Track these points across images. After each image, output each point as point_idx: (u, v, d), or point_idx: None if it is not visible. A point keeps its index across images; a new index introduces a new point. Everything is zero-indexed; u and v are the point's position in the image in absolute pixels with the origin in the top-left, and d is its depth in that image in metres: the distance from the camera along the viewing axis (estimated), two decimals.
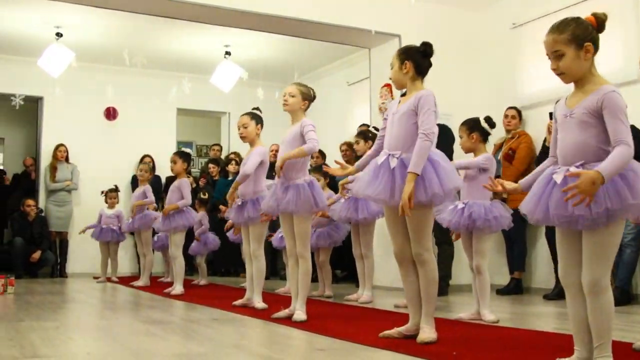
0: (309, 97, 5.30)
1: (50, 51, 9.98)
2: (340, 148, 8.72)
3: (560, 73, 2.95)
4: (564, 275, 2.97)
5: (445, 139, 6.29)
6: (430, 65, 4.15)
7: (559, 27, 2.95)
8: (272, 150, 9.53)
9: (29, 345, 3.81)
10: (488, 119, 5.35)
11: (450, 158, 5.35)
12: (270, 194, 5.30)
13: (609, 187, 2.74)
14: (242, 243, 6.74)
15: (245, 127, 6.08)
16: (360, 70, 10.53)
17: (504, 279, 7.84)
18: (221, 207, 8.86)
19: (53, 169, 11.20)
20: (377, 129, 6.42)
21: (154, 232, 9.42)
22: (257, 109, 6.28)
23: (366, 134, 6.90)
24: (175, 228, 7.80)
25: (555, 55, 2.93)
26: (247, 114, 6.19)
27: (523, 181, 3.23)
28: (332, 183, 7.73)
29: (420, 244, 3.96)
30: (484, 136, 5.33)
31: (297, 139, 5.15)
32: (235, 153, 10.93)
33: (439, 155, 3.97)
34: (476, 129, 5.29)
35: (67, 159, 11.35)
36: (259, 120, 6.15)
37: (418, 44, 4.17)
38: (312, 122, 5.18)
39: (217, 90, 11.18)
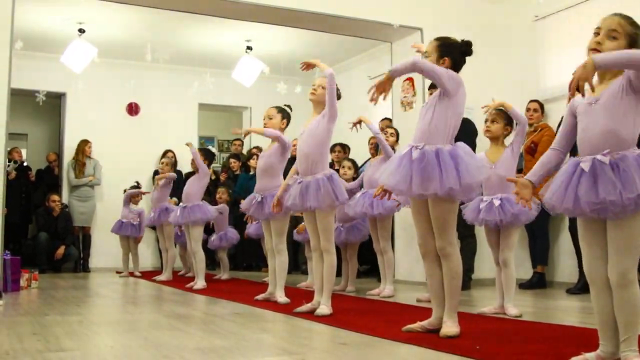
0: (337, 93, 5.30)
1: (73, 47, 10.01)
2: (369, 141, 8.68)
3: (596, 51, 2.92)
4: (589, 270, 2.94)
5: (467, 133, 6.27)
6: (464, 64, 4.15)
7: (631, 19, 2.97)
8: (293, 145, 9.51)
9: (53, 339, 3.83)
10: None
11: (474, 150, 5.33)
12: (293, 190, 5.30)
13: None
14: (262, 238, 6.74)
15: (270, 119, 6.12)
16: (381, 64, 10.45)
17: (526, 273, 7.79)
18: (242, 201, 8.88)
19: (80, 164, 11.25)
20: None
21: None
22: (289, 106, 6.30)
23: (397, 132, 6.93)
24: (194, 222, 7.84)
25: (609, 35, 2.93)
26: (275, 106, 6.23)
27: (531, 176, 3.19)
28: (357, 175, 7.70)
29: (444, 238, 3.95)
30: (509, 133, 5.37)
31: (320, 128, 5.19)
32: (257, 147, 10.92)
33: (462, 149, 3.96)
34: (511, 124, 5.31)
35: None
36: (285, 115, 6.18)
37: (443, 35, 4.17)
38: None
39: (239, 85, 11.19)
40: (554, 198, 2.96)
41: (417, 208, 4.06)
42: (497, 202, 5.08)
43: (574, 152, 3.05)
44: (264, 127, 6.14)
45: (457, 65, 4.09)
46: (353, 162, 7.62)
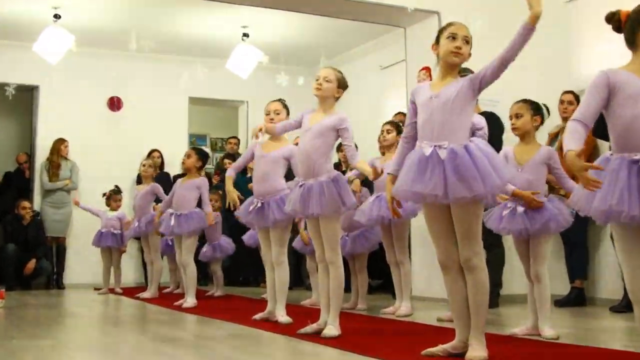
0: (344, 85, 5.32)
1: (47, 34, 9.97)
2: (380, 138, 8.65)
3: None
4: (632, 289, 2.87)
5: (493, 129, 6.21)
6: None
7: None
8: (295, 144, 9.47)
9: None
10: (546, 107, 5.34)
11: (499, 149, 5.26)
12: (294, 195, 5.26)
13: None
14: (260, 247, 6.72)
15: (278, 114, 6.14)
16: (394, 52, 10.44)
17: (563, 288, 7.70)
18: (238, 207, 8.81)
19: (55, 166, 11.20)
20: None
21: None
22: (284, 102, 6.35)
23: (400, 127, 6.84)
24: (188, 232, 7.80)
25: None
26: (279, 100, 6.27)
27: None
28: (366, 179, 7.64)
29: (469, 248, 3.92)
30: (541, 124, 5.29)
31: (328, 132, 5.15)
32: None
33: (484, 144, 3.98)
34: (539, 112, 5.23)
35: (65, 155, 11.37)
36: (287, 111, 6.23)
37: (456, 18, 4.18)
38: (349, 124, 5.21)
39: (234, 77, 11.14)
40: (612, 204, 2.87)
41: (435, 215, 4.03)
42: (520, 209, 5.03)
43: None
44: (269, 121, 6.12)
45: None
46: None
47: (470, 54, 4.09)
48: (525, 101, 5.26)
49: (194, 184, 7.97)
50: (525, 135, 5.20)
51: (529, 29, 3.73)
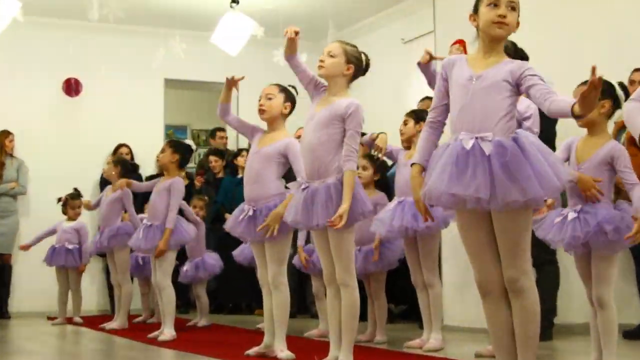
0: (356, 61, 5.32)
1: None
2: (402, 130, 8.66)
3: None
4: None
5: (546, 118, 6.17)
6: None
7: None
8: (296, 137, 9.46)
9: None
10: (622, 86, 5.16)
11: (553, 142, 5.24)
12: (295, 201, 5.24)
13: None
14: (254, 266, 6.72)
15: (270, 99, 6.13)
16: (420, 22, 10.45)
17: (634, 316, 7.68)
18: (227, 216, 8.79)
19: None
20: None
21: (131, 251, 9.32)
22: (294, 87, 6.32)
23: (420, 114, 6.83)
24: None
25: None
26: (276, 84, 6.26)
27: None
28: (383, 180, 7.63)
29: (515, 266, 3.90)
30: (614, 109, 5.11)
31: (334, 122, 5.15)
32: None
33: (535, 140, 3.95)
34: (609, 95, 5.05)
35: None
36: (289, 97, 6.22)
37: None
38: (361, 106, 5.22)
39: (221, 54, 11.15)
40: None
41: (472, 225, 4.02)
42: (572, 215, 4.97)
43: None
44: (259, 108, 6.16)
45: None
46: (371, 158, 7.54)
47: (518, 23, 4.05)
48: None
49: (165, 186, 7.93)
50: (591, 126, 5.09)
51: (570, 114, 3.68)
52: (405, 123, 6.99)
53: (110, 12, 10.01)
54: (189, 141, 8.37)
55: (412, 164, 4.21)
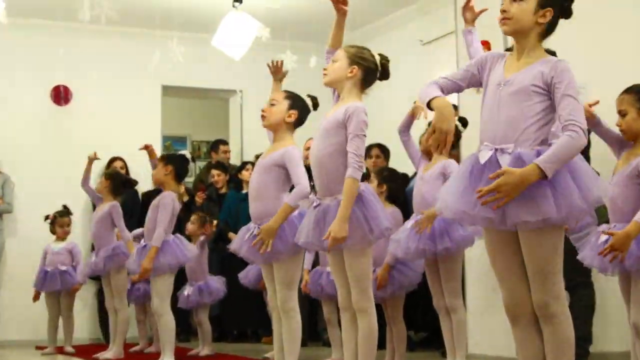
0: (362, 62, 5.31)
1: None
2: (420, 141, 8.66)
3: None
4: None
5: None
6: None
7: None
8: (307, 149, 9.47)
9: None
10: None
11: (587, 152, 5.22)
12: (307, 219, 5.24)
13: None
14: (264, 290, 6.72)
15: (272, 105, 6.13)
16: (440, 23, 10.44)
17: None
18: (231, 235, 8.79)
19: None
20: None
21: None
22: (312, 98, 6.30)
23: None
24: (161, 269, 7.76)
25: None
26: (285, 91, 6.27)
27: None
28: (394, 194, 7.62)
29: (545, 289, 3.90)
30: None
31: (338, 130, 5.15)
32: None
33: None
34: None
35: None
36: (297, 105, 6.16)
37: None
38: (365, 108, 5.17)
39: (223, 58, 11.17)
40: None
41: (499, 243, 4.03)
42: (604, 237, 4.94)
43: None
44: (261, 115, 6.15)
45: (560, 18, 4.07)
46: (390, 172, 7.55)
47: (539, 12, 4.00)
48: (629, 91, 5.13)
49: (155, 204, 7.95)
50: (636, 138, 5.09)
51: None
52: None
53: (102, 13, 9.93)
54: (183, 152, 8.32)
55: (430, 100, 4.13)
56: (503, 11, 3.98)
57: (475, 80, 4.19)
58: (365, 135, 5.17)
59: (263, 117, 6.13)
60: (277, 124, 6.08)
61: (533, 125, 3.89)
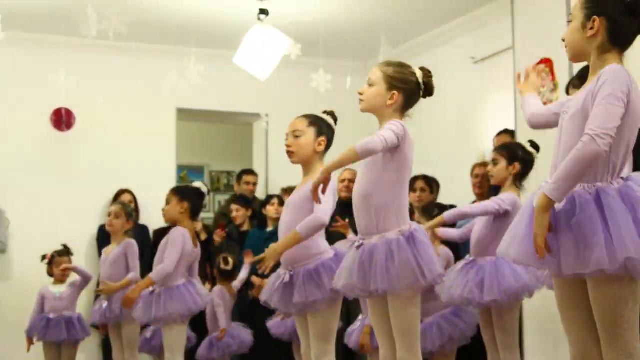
0: (403, 85, 5.26)
1: None
2: (472, 172, 8.62)
3: None
4: None
5: None
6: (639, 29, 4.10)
7: None
8: (342, 181, 9.43)
9: None
10: None
11: None
12: (348, 261, 5.21)
13: None
14: (295, 340, 6.70)
15: (296, 137, 6.07)
16: (495, 38, 10.44)
17: None
18: (254, 279, 8.76)
19: None
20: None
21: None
22: (330, 113, 6.26)
23: (514, 151, 6.81)
24: (169, 317, 7.75)
25: None
26: (304, 116, 6.18)
27: None
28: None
29: (616, 345, 3.87)
30: None
31: (384, 162, 5.14)
32: (287, 190, 10.59)
33: (634, 192, 3.88)
34: None
35: None
36: (323, 129, 6.13)
37: None
38: (401, 123, 5.12)
39: (247, 78, 11.14)
40: None
41: (568, 291, 4.03)
42: None
43: None
44: (287, 149, 6.11)
45: (619, 30, 4.06)
46: (440, 209, 7.53)
47: (590, 30, 4.07)
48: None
49: (164, 242, 7.94)
50: None
51: None
52: (494, 162, 6.95)
53: (111, 27, 9.96)
54: (197, 183, 8.28)
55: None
56: (563, 40, 4.02)
57: None
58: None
59: (290, 153, 6.07)
60: (307, 157, 6.05)
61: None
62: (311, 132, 6.05)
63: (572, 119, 3.96)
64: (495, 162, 6.96)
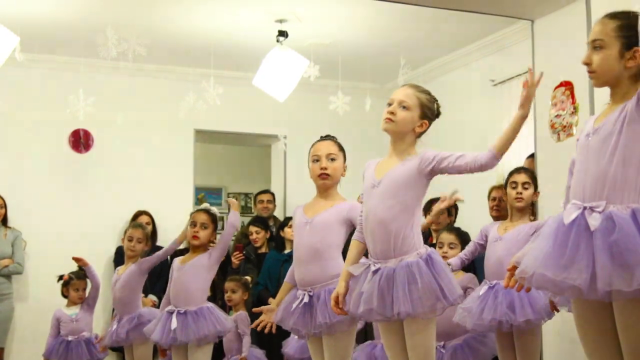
0: (431, 113, 5.27)
1: None
2: (489, 195, 8.56)
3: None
4: None
5: None
6: None
7: None
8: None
9: None
10: None
11: None
12: (367, 285, 5.18)
13: None
14: None
15: (333, 160, 6.09)
16: (514, 60, 10.41)
17: None
18: (271, 300, 8.72)
19: None
20: None
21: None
22: (331, 137, 6.30)
23: (536, 179, 6.84)
24: (199, 340, 7.73)
25: None
26: (331, 139, 6.21)
27: None
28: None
29: None
30: None
31: (410, 183, 5.13)
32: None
33: None
34: None
35: (4, 221, 11.38)
36: (345, 157, 6.18)
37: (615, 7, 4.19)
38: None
39: (265, 99, 11.13)
40: None
41: (590, 315, 4.02)
42: None
43: None
44: (321, 173, 6.08)
45: None
46: (459, 233, 7.51)
47: (613, 57, 4.10)
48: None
49: (194, 263, 7.95)
50: None
51: None
52: (525, 187, 6.93)
53: (130, 49, 9.99)
54: (204, 206, 8.30)
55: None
56: (586, 64, 3.99)
57: None
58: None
59: (326, 175, 6.06)
60: (337, 181, 6.13)
61: (629, 172, 3.86)
62: (341, 156, 6.12)
63: (602, 141, 3.95)
64: (525, 186, 6.96)
